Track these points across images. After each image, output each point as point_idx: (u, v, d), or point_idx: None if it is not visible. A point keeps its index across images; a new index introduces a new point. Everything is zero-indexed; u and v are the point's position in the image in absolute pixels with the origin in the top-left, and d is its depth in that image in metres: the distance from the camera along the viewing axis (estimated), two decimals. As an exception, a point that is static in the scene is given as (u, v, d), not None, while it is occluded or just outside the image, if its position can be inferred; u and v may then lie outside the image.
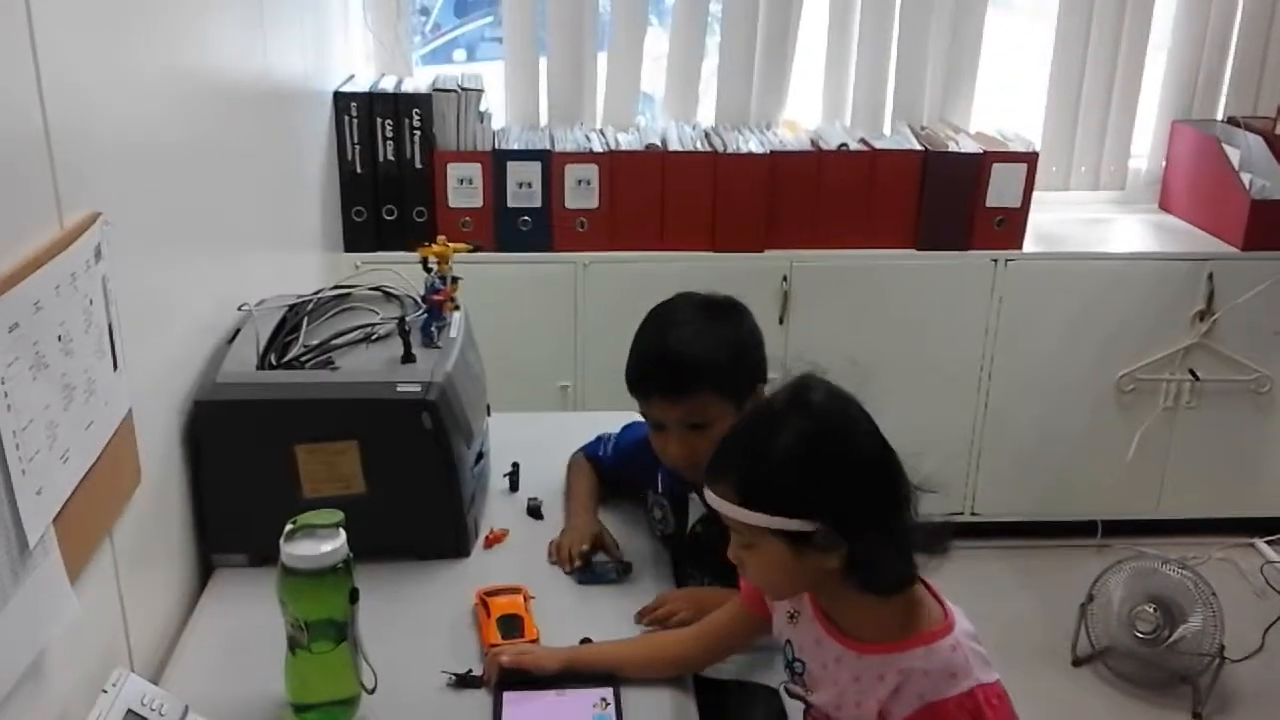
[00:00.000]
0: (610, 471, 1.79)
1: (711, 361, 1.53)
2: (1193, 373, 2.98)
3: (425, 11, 3.41)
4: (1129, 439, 3.03)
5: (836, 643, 1.25)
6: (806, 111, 3.12)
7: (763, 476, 1.18)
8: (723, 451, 1.25)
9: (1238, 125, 3.07)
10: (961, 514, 3.06)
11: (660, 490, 1.69)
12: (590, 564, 1.59)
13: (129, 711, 1.10)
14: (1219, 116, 3.21)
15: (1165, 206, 3.24)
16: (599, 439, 1.83)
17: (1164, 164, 3.24)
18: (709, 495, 1.24)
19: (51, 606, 1.07)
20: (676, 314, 1.61)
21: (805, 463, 1.18)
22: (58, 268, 1.09)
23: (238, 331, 1.66)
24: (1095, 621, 2.67)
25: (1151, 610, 2.55)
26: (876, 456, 1.21)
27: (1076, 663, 2.72)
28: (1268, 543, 3.17)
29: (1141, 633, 2.56)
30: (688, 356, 1.53)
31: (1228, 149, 2.96)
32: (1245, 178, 2.91)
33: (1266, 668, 2.68)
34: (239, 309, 1.69)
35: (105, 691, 1.09)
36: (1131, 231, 3.12)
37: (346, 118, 2.64)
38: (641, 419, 1.63)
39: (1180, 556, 2.69)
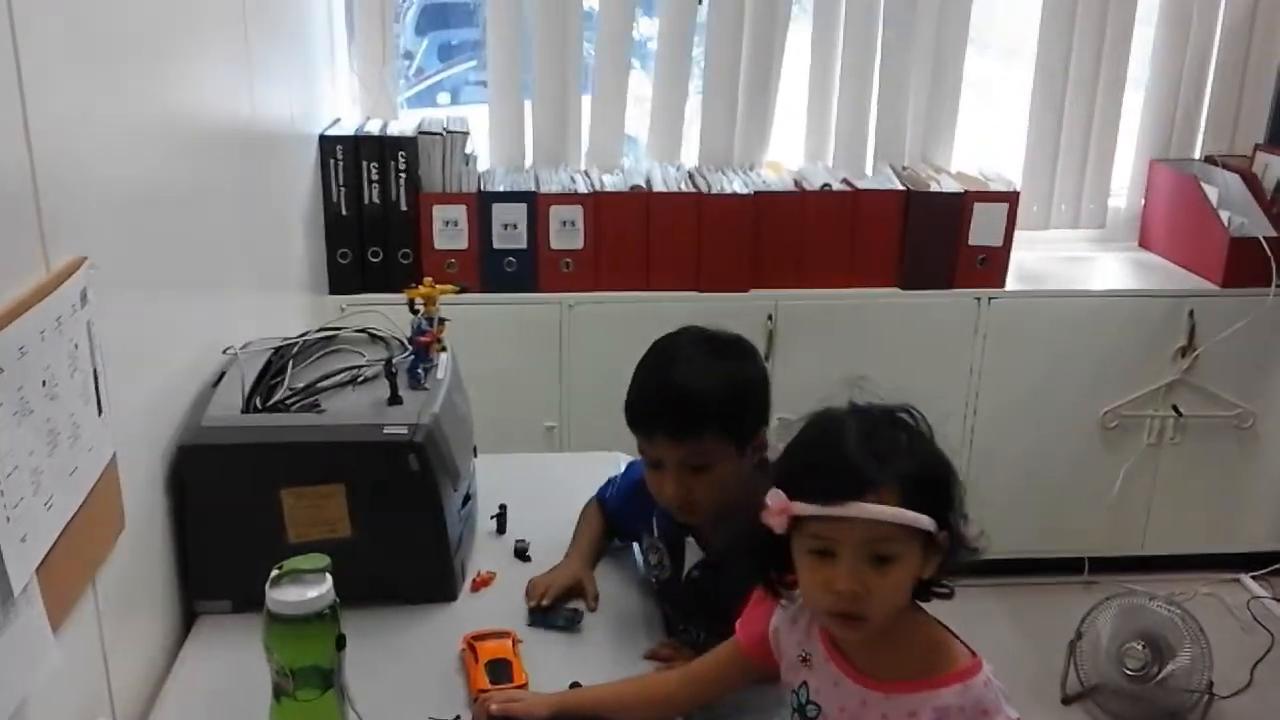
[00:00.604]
0: (614, 514, 1.76)
1: (718, 404, 1.49)
2: (1175, 409, 3.00)
3: (409, 55, 3.43)
4: (1114, 475, 3.03)
5: (858, 685, 1.22)
6: (789, 152, 3.14)
7: (915, 476, 1.15)
8: (854, 459, 1.15)
9: (1215, 164, 3.11)
10: (949, 552, 3.05)
11: (656, 534, 1.66)
12: (553, 607, 1.57)
13: (111, 762, 1.08)
14: (1196, 155, 3.25)
15: (1145, 244, 3.27)
16: (609, 481, 1.80)
17: (1143, 202, 3.27)
18: (861, 508, 1.12)
19: (33, 655, 1.06)
20: (683, 350, 1.56)
21: (936, 461, 1.18)
22: (43, 312, 1.08)
23: (223, 375, 1.65)
24: (1084, 659, 2.66)
25: (1140, 647, 2.54)
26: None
27: (1066, 700, 2.71)
28: (1253, 578, 3.18)
29: (1130, 670, 2.55)
30: (695, 398, 1.48)
31: (1206, 187, 3.00)
32: (1224, 215, 2.94)
33: (1255, 703, 2.68)
34: (224, 352, 1.68)
35: (87, 742, 1.07)
36: (1112, 269, 3.15)
37: (332, 160, 2.65)
38: (639, 458, 1.61)
39: (1168, 593, 2.70)
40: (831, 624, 1.22)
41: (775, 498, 1.18)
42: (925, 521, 1.14)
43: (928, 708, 1.17)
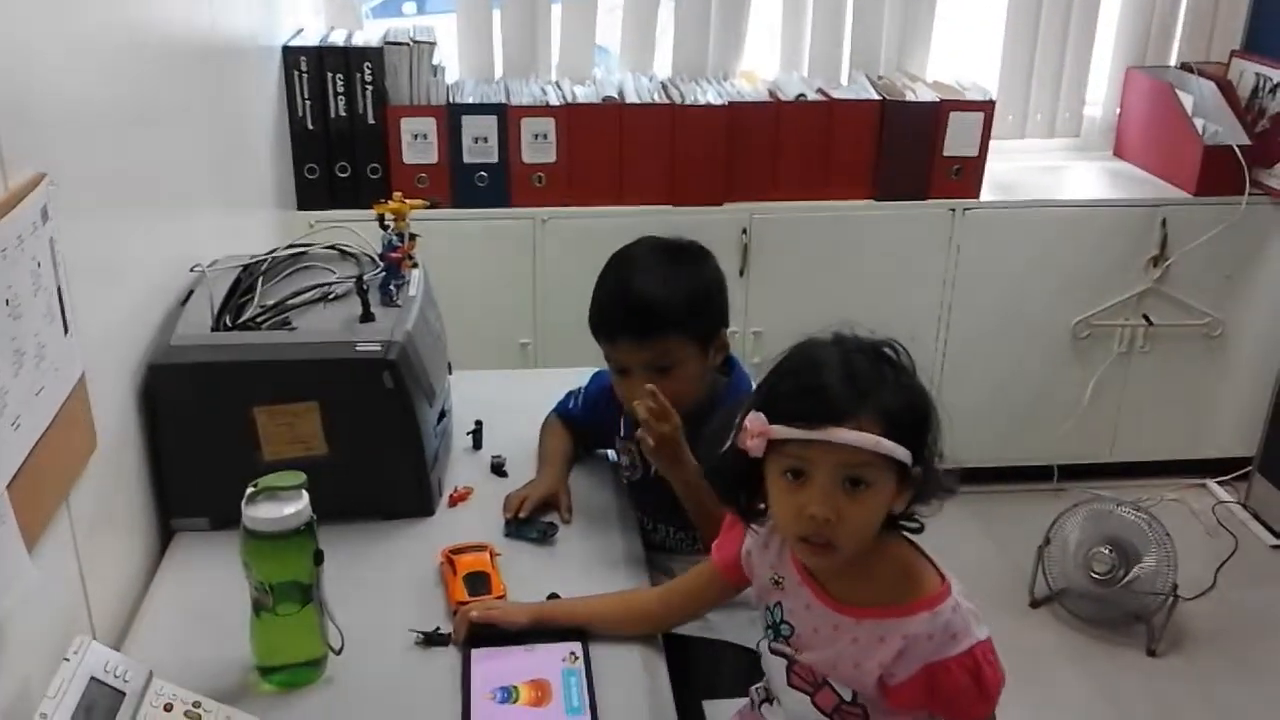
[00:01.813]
0: (581, 424, 1.78)
1: (678, 304, 1.53)
2: (1146, 318, 3.02)
3: (374, -37, 3.33)
4: (1084, 384, 3.07)
5: (829, 609, 1.24)
6: (764, 62, 3.10)
7: (897, 408, 1.15)
8: (837, 387, 1.14)
9: (1191, 71, 3.09)
10: (921, 462, 3.10)
11: (625, 435, 1.69)
12: (528, 520, 1.59)
13: (92, 679, 1.08)
14: (1172, 63, 3.22)
15: (1120, 153, 3.26)
16: (569, 395, 1.81)
17: (1118, 111, 3.26)
18: (842, 434, 1.12)
19: (9, 575, 1.05)
20: (641, 258, 1.60)
21: (920, 396, 1.19)
22: (2, 231, 1.06)
23: (191, 293, 1.63)
24: (1052, 563, 2.72)
25: (1107, 552, 2.60)
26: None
27: (1034, 604, 2.77)
28: (1219, 483, 3.25)
29: (1097, 573, 2.61)
30: (654, 299, 1.53)
31: (1181, 95, 2.99)
32: (1198, 123, 2.93)
33: (1218, 604, 2.75)
34: (191, 270, 1.66)
35: (67, 660, 1.08)
36: (1086, 178, 3.14)
37: (296, 73, 2.59)
38: (605, 368, 1.63)
39: (1134, 499, 2.75)
40: (801, 551, 1.23)
41: (755, 420, 1.18)
42: (902, 453, 1.14)
43: (896, 635, 1.19)
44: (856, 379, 1.16)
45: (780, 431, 1.16)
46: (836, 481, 1.15)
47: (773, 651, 1.31)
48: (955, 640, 1.18)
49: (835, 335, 1.22)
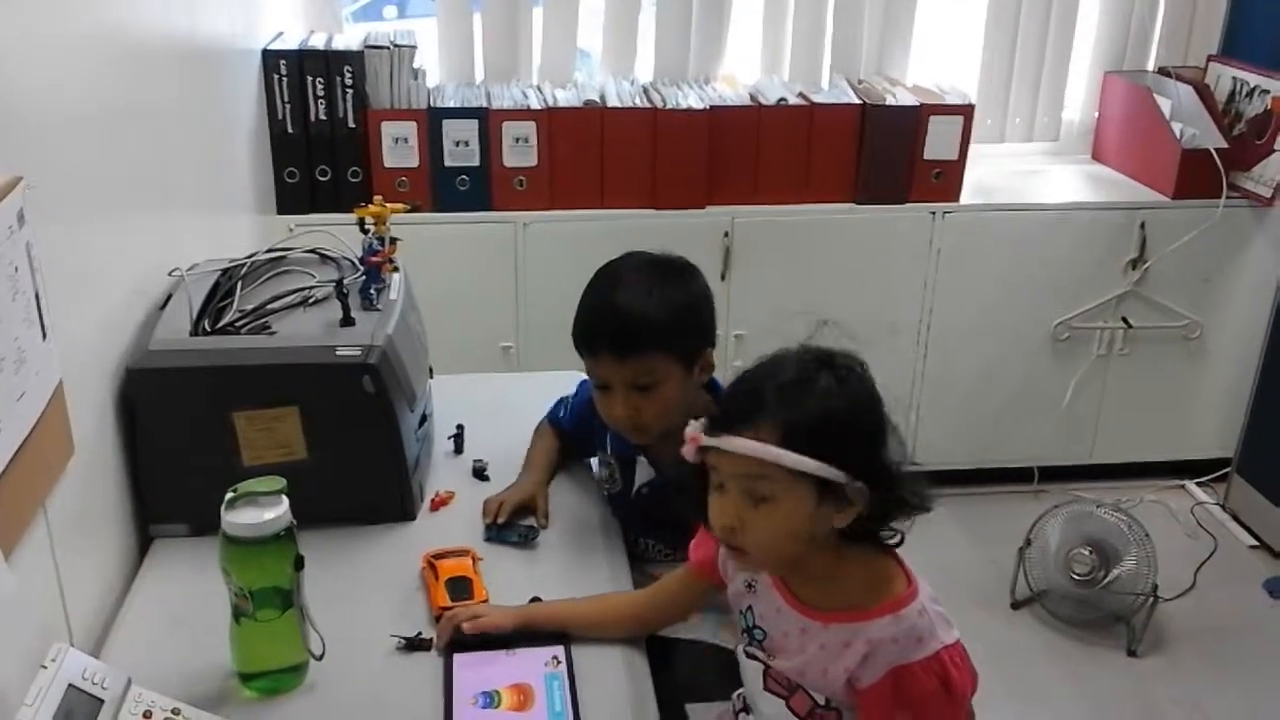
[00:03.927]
0: (570, 433, 1.77)
1: (661, 321, 1.50)
2: (1125, 320, 3.04)
3: (354, -34, 3.33)
4: (1064, 387, 3.09)
5: (798, 613, 1.25)
6: (744, 66, 3.10)
7: (807, 420, 1.15)
8: (752, 395, 1.18)
9: (1168, 75, 3.11)
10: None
11: (609, 451, 1.68)
12: (507, 523, 1.59)
13: (70, 686, 1.08)
14: (1150, 67, 3.25)
15: (1098, 157, 3.28)
16: (560, 401, 1.80)
17: (1097, 115, 3.28)
18: (738, 441, 1.15)
19: (-15, 583, 1.05)
20: (626, 272, 1.57)
21: (846, 411, 1.16)
22: (-22, 234, 1.05)
23: (169, 297, 1.62)
24: (1033, 565, 2.73)
25: (1087, 553, 2.61)
26: (885, 412, 1.21)
27: (1015, 605, 2.78)
28: (1198, 485, 3.27)
29: (1078, 575, 2.62)
30: (637, 316, 1.50)
31: (1159, 99, 3.01)
32: (1176, 127, 2.95)
33: (1198, 605, 2.77)
34: (170, 274, 1.65)
35: (45, 667, 1.07)
36: (1065, 182, 3.16)
37: (276, 76, 2.58)
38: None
39: (1114, 500, 2.76)
40: (728, 556, 1.26)
41: (691, 427, 1.20)
42: (809, 465, 1.13)
43: (861, 639, 1.19)
44: (762, 390, 1.16)
45: (699, 438, 1.19)
46: (741, 492, 1.17)
47: (748, 655, 1.32)
48: (921, 644, 1.17)
49: (799, 347, 1.22)
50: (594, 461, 1.77)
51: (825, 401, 1.16)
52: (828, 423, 1.15)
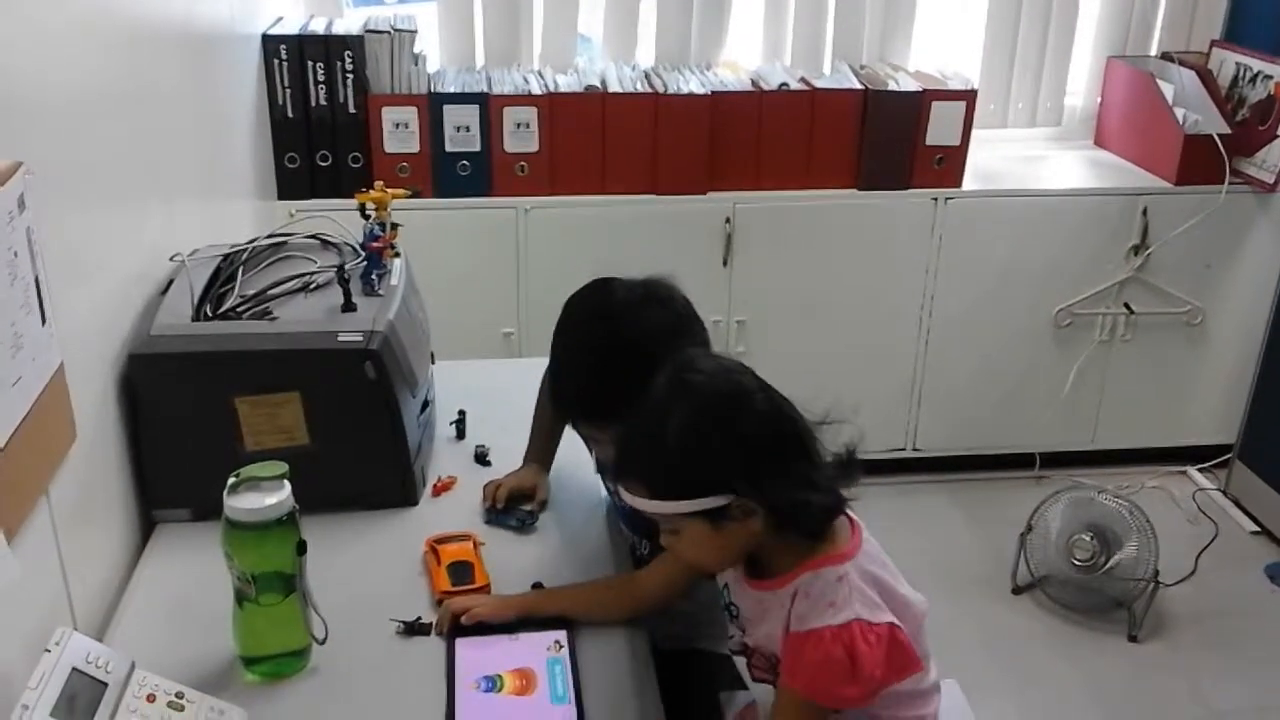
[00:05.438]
0: None
1: (594, 404, 1.44)
2: (1127, 306, 3.04)
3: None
4: (1066, 372, 3.09)
5: (754, 589, 1.29)
6: (746, 51, 3.09)
7: (664, 467, 1.19)
8: (622, 452, 1.26)
9: (1171, 61, 3.10)
10: (904, 449, 3.11)
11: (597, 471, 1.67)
12: (506, 508, 1.59)
13: (74, 670, 1.08)
14: (1153, 52, 3.24)
15: (1100, 142, 3.27)
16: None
17: (1099, 100, 3.27)
18: (624, 494, 1.24)
19: (-12, 567, 1.05)
20: (569, 341, 1.47)
21: (700, 442, 1.18)
22: (-21, 219, 1.05)
23: (170, 283, 1.62)
24: (1034, 551, 2.73)
25: (1089, 539, 2.61)
26: (770, 413, 1.20)
27: (1016, 591, 2.78)
28: (1199, 470, 3.27)
29: (1079, 560, 2.62)
30: (577, 402, 1.47)
31: (1161, 85, 3.00)
32: (1178, 113, 2.95)
33: (1199, 590, 2.77)
34: (171, 259, 1.65)
35: (49, 651, 1.07)
36: (1068, 168, 3.15)
37: (276, 61, 2.57)
38: None
39: (1115, 486, 2.77)
40: None
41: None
42: (682, 508, 1.19)
43: (789, 595, 1.22)
44: (628, 445, 1.24)
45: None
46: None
47: (731, 651, 1.37)
48: (833, 609, 1.18)
49: (672, 363, 1.25)
50: None
51: (682, 440, 1.18)
52: (685, 460, 1.18)
